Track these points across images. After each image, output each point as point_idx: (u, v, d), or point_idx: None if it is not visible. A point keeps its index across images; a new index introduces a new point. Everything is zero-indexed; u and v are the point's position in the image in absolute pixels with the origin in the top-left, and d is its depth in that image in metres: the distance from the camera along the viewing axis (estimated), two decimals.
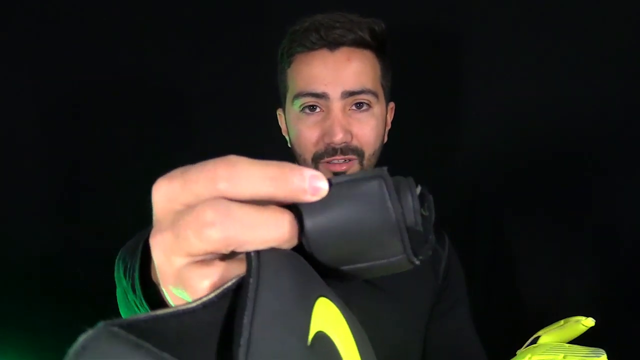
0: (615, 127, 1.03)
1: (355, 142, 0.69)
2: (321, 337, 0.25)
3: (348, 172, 0.59)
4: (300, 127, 0.70)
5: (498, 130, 1.06)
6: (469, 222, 1.11)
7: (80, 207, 1.13)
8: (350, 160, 0.69)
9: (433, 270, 0.79)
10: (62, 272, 1.13)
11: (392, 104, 0.78)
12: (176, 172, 0.25)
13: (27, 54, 1.08)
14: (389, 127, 0.78)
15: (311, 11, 0.70)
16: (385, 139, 0.77)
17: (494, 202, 1.09)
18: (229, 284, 0.24)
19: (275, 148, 0.76)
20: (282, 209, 0.25)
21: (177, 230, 0.24)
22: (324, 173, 0.55)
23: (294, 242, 0.25)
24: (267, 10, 1.02)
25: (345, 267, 0.28)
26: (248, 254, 0.24)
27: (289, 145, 0.76)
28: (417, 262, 0.28)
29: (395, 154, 1.10)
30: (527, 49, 1.03)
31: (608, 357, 0.44)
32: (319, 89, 0.67)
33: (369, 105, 0.69)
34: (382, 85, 0.72)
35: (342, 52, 0.67)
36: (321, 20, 0.68)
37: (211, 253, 0.24)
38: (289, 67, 0.71)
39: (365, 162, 0.70)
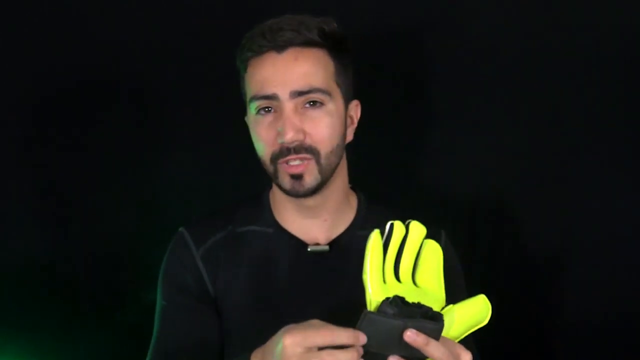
0: (614, 128, 1.03)
1: (308, 141, 0.69)
2: None
3: (305, 173, 0.69)
4: (257, 130, 0.72)
5: (498, 130, 1.06)
6: (469, 222, 1.10)
7: (80, 207, 1.13)
8: (305, 159, 0.70)
9: None
10: (62, 273, 1.13)
11: (355, 102, 0.78)
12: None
13: (13, 55, 1.08)
14: (354, 125, 0.78)
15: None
16: (350, 137, 0.77)
17: (494, 202, 1.09)
18: None
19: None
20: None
21: None
22: (282, 174, 0.70)
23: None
24: (260, 13, 1.02)
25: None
26: None
27: None
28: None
29: (396, 155, 1.10)
30: (526, 47, 1.03)
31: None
32: (270, 90, 0.68)
33: (322, 103, 0.70)
34: (338, 83, 0.72)
35: (290, 53, 0.69)
36: (269, 24, 0.70)
37: None
38: (245, 72, 0.73)
39: (322, 160, 0.70)
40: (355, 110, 0.79)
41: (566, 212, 1.07)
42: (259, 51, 0.70)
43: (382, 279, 0.58)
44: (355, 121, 0.78)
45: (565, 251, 1.08)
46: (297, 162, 0.69)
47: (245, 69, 0.73)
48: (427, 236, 0.64)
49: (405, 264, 0.58)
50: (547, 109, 1.04)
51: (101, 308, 1.12)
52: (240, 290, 0.76)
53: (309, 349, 0.50)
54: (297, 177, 0.70)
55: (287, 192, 0.72)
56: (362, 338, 0.52)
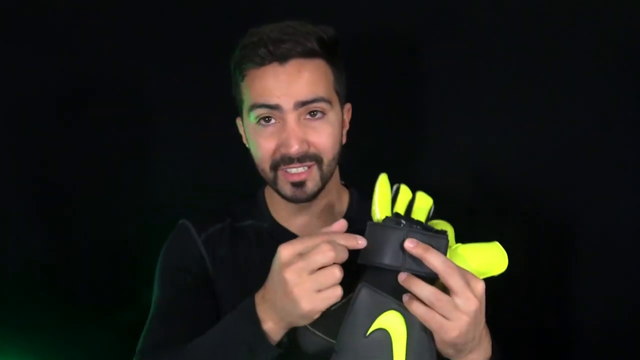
0: (616, 127, 1.03)
1: (312, 150, 0.71)
2: (381, 331, 0.52)
3: (308, 180, 0.71)
4: (258, 139, 0.72)
5: (497, 130, 1.06)
6: (469, 222, 1.10)
7: (80, 207, 1.13)
8: (308, 166, 0.71)
9: None
10: (62, 272, 1.13)
11: (348, 105, 0.80)
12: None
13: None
14: (347, 127, 0.80)
15: (282, 18, 0.70)
16: (344, 140, 0.79)
17: (494, 202, 1.09)
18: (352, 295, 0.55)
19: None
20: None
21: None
22: (282, 181, 0.73)
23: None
24: (239, 16, 1.02)
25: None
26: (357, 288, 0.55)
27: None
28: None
29: (394, 154, 1.10)
30: (518, 44, 1.03)
31: None
32: (272, 100, 0.68)
33: (323, 113, 0.71)
34: (337, 91, 0.74)
35: (293, 65, 0.69)
36: (269, 33, 0.68)
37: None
38: (242, 81, 0.72)
39: (324, 167, 0.73)
40: (348, 113, 0.81)
41: (567, 212, 1.07)
42: (261, 63, 0.69)
43: (389, 209, 0.59)
44: (347, 124, 0.80)
45: (566, 250, 1.08)
46: (300, 170, 0.71)
47: (242, 78, 0.72)
48: None
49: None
50: (546, 108, 1.04)
51: (101, 308, 1.12)
52: (236, 280, 0.78)
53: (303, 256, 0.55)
54: (299, 185, 0.72)
55: (288, 199, 0.74)
56: (362, 242, 0.56)
